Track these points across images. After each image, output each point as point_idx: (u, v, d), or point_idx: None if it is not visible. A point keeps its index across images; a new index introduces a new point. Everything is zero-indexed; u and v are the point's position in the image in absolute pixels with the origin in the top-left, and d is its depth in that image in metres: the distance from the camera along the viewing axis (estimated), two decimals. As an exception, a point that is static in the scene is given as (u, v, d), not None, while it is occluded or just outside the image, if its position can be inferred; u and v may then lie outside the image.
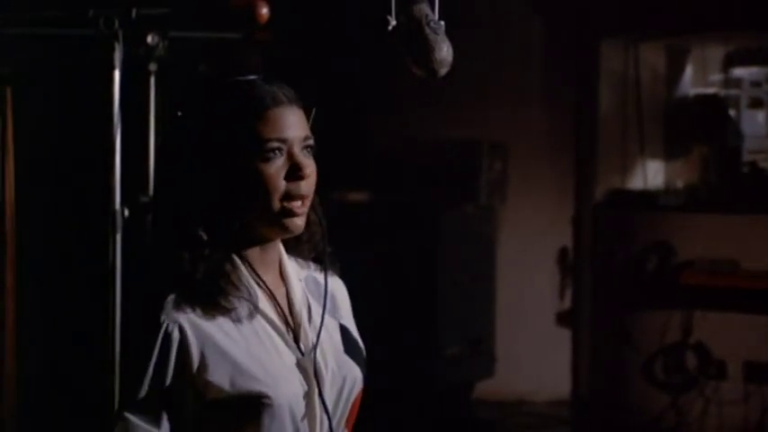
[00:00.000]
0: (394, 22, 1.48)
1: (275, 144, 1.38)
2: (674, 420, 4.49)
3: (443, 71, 1.51)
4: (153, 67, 2.57)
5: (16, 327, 2.88)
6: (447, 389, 4.64)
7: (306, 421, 1.41)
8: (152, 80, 2.58)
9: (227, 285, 1.38)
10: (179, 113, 1.42)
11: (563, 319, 4.90)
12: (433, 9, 1.48)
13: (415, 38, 1.48)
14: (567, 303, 4.91)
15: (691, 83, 5.02)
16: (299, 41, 4.34)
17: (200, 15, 2.18)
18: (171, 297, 1.36)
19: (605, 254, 4.75)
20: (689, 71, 5.04)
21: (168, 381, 1.35)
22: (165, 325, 1.35)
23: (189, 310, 1.36)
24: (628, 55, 4.94)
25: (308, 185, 1.41)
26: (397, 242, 4.52)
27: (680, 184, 4.92)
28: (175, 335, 1.35)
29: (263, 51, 4.25)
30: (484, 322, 4.77)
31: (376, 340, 5.20)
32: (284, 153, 1.39)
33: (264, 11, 2.03)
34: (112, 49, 2.06)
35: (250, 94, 1.39)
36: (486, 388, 4.83)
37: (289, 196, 1.39)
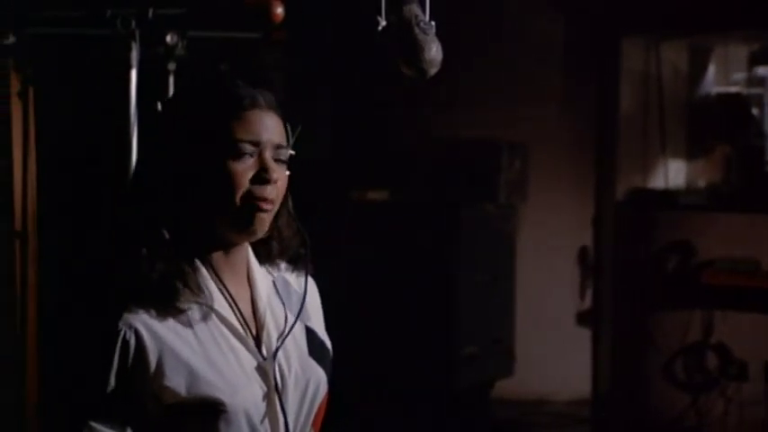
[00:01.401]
0: (384, 23, 1.50)
1: (247, 146, 1.39)
2: (695, 421, 4.46)
3: (433, 71, 1.52)
4: (172, 66, 2.59)
5: (38, 325, 2.91)
6: (466, 388, 4.63)
7: (266, 423, 1.41)
8: (171, 79, 2.60)
9: (183, 287, 1.38)
10: (158, 107, 1.43)
11: (583, 318, 4.89)
12: (423, 10, 1.50)
13: (404, 38, 1.51)
14: (588, 303, 4.89)
15: (713, 81, 4.99)
16: (317, 40, 4.35)
17: (215, 15, 2.20)
18: (128, 304, 1.36)
19: (626, 253, 4.73)
20: (711, 70, 5.00)
21: (128, 387, 1.36)
22: (122, 332, 1.35)
23: (144, 312, 1.36)
24: (649, 53, 4.92)
25: (273, 190, 1.41)
26: (416, 241, 4.53)
27: (702, 183, 4.89)
28: (132, 342, 1.35)
29: (282, 50, 4.27)
30: (503, 322, 4.76)
31: (394, 339, 5.22)
32: (255, 155, 1.40)
33: (279, 10, 2.04)
34: (129, 49, 2.07)
35: (230, 93, 1.40)
36: (505, 387, 4.82)
37: (252, 196, 1.39)
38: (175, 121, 1.41)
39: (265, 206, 1.40)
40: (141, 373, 1.36)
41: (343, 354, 5.20)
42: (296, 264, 1.53)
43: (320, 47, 4.43)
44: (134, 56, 2.08)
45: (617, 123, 4.85)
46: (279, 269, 1.53)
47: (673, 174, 4.92)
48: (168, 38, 2.46)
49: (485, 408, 4.79)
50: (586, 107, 4.86)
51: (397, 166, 4.80)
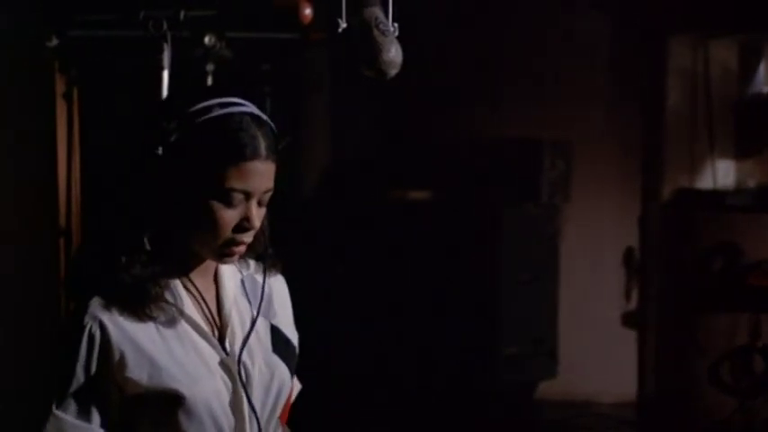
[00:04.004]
0: (344, 25, 1.53)
1: (239, 195, 1.42)
2: (742, 425, 4.39)
3: (392, 72, 1.55)
4: (210, 67, 2.63)
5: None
6: (508, 388, 4.62)
7: (231, 417, 1.46)
8: (209, 80, 2.64)
9: (155, 291, 1.43)
10: (163, 122, 1.42)
11: (629, 320, 4.85)
12: (386, 12, 1.52)
13: (364, 40, 1.53)
14: (633, 304, 4.85)
15: (763, 80, 4.91)
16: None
17: (246, 17, 2.23)
18: (96, 299, 1.42)
19: (672, 254, 4.68)
20: (761, 68, 4.93)
21: (93, 377, 1.41)
22: (88, 326, 1.41)
23: (114, 311, 1.42)
24: (697, 52, 4.86)
25: (251, 235, 1.46)
26: (457, 241, 4.52)
27: (750, 183, 4.81)
28: (97, 335, 1.41)
29: (327, 51, 4.29)
30: (546, 322, 4.74)
31: (435, 339, 5.20)
32: (242, 202, 1.43)
33: (308, 11, 2.06)
34: (161, 51, 2.11)
35: (233, 138, 1.41)
36: (548, 388, 4.79)
37: (232, 242, 1.44)
38: (174, 148, 1.42)
39: (240, 249, 1.46)
40: (105, 365, 1.41)
41: (385, 353, 5.20)
42: (265, 262, 1.56)
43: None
44: (166, 57, 2.12)
45: (664, 123, 4.81)
46: (248, 267, 1.57)
47: (720, 174, 4.85)
48: (206, 39, 2.50)
49: (528, 409, 4.76)
50: (633, 106, 4.83)
51: (439, 166, 4.80)
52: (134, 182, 1.43)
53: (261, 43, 3.12)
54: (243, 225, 1.44)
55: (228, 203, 1.42)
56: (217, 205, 1.42)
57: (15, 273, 3.00)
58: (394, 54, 1.53)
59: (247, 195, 1.43)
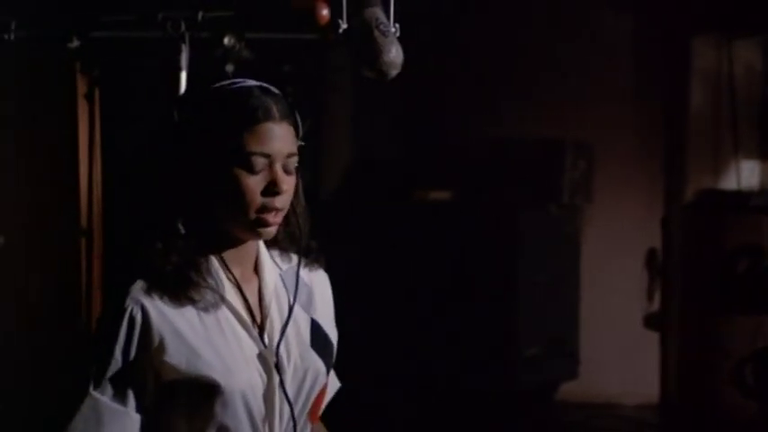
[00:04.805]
0: (345, 26, 1.53)
1: (259, 158, 1.44)
2: (765, 427, 4.36)
3: (393, 73, 1.55)
4: (230, 68, 2.63)
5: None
6: (528, 389, 4.61)
7: (264, 412, 1.46)
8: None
9: (196, 277, 1.44)
10: (175, 111, 1.46)
11: (651, 321, 4.82)
12: (387, 12, 1.51)
13: (364, 41, 1.52)
14: (656, 306, 4.82)
15: (789, 80, 4.87)
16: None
17: (264, 18, 2.23)
18: (139, 283, 1.43)
19: (695, 255, 4.65)
20: (787, 68, 4.89)
21: (131, 361, 1.42)
22: (129, 309, 1.42)
23: (156, 296, 1.43)
24: (721, 52, 4.82)
25: (282, 200, 1.46)
26: (478, 241, 4.52)
27: (776, 184, 4.78)
28: (138, 318, 1.42)
29: (345, 52, 4.29)
30: (567, 323, 4.72)
31: (456, 339, 5.19)
32: (266, 167, 1.44)
33: (325, 12, 2.06)
34: (179, 51, 2.12)
35: (245, 104, 1.44)
36: (569, 390, 4.78)
37: (263, 208, 1.45)
38: (190, 128, 1.46)
39: (274, 219, 1.46)
40: (144, 349, 1.42)
41: (404, 354, 5.20)
42: (308, 257, 1.56)
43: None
44: (183, 58, 2.13)
45: (687, 123, 4.78)
46: (290, 262, 1.57)
47: (745, 174, 4.81)
48: (226, 40, 2.50)
49: (548, 410, 4.75)
50: (655, 106, 4.80)
51: (460, 166, 4.80)
52: (158, 166, 1.46)
53: (282, 44, 3.13)
54: (271, 189, 1.44)
55: (251, 169, 1.43)
56: (241, 172, 1.43)
57: (35, 273, 3.02)
58: (395, 55, 1.53)
59: (269, 159, 1.44)
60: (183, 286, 1.43)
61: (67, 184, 3.08)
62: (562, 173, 4.64)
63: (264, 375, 1.46)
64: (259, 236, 1.47)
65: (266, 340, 1.48)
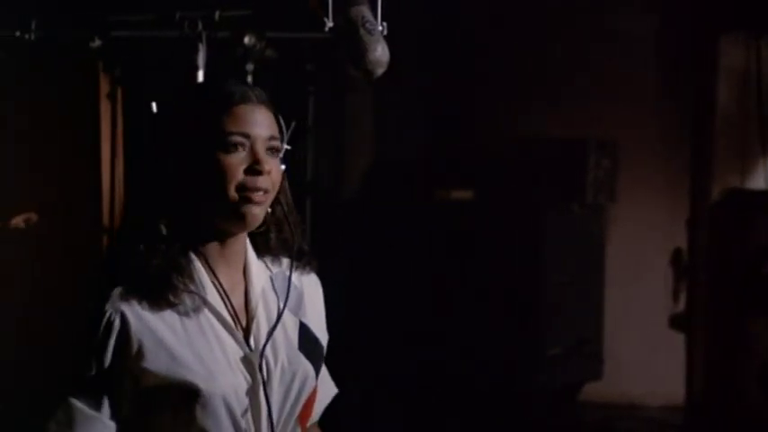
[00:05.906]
0: (330, 24, 1.53)
1: (238, 138, 1.44)
2: (792, 430, 4.32)
3: (379, 71, 1.54)
4: (250, 67, 2.64)
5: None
6: (551, 389, 4.59)
7: (249, 415, 1.45)
8: (249, 79, 2.65)
9: (178, 281, 1.43)
10: (153, 109, 1.49)
11: (677, 322, 4.78)
12: (374, 11, 1.51)
13: (350, 39, 1.52)
14: (681, 306, 4.79)
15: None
16: (405, 40, 4.36)
17: (281, 17, 2.24)
18: (119, 289, 1.42)
19: (721, 255, 4.61)
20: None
21: (107, 367, 1.41)
22: (107, 314, 1.41)
23: (135, 301, 1.42)
24: (749, 51, 4.78)
25: (266, 181, 1.45)
26: (501, 241, 4.50)
27: (803, 184, 4.73)
28: (117, 324, 1.41)
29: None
30: (590, 323, 4.70)
31: (479, 339, 5.17)
32: (247, 148, 1.44)
33: (341, 11, 2.06)
34: (196, 50, 2.14)
35: (220, 89, 1.46)
36: (593, 390, 4.76)
37: (245, 188, 1.44)
38: (169, 119, 1.48)
39: (258, 198, 1.45)
40: (122, 356, 1.41)
41: (428, 353, 5.20)
42: (300, 260, 1.55)
43: (407, 49, 4.45)
44: (200, 57, 2.14)
45: (714, 122, 4.74)
46: (281, 265, 1.56)
47: (772, 174, 4.77)
48: (246, 39, 2.51)
49: (572, 410, 4.73)
50: (680, 105, 4.77)
51: (483, 166, 4.78)
52: (141, 164, 1.48)
53: (304, 43, 3.13)
54: (253, 167, 1.43)
55: (230, 149, 1.43)
56: (221, 154, 1.43)
57: (58, 271, 3.04)
58: (380, 53, 1.53)
59: (249, 140, 1.44)
60: (163, 290, 1.42)
61: (90, 182, 3.11)
62: (586, 172, 4.61)
63: (249, 378, 1.45)
64: (244, 220, 1.45)
65: (252, 343, 1.47)
